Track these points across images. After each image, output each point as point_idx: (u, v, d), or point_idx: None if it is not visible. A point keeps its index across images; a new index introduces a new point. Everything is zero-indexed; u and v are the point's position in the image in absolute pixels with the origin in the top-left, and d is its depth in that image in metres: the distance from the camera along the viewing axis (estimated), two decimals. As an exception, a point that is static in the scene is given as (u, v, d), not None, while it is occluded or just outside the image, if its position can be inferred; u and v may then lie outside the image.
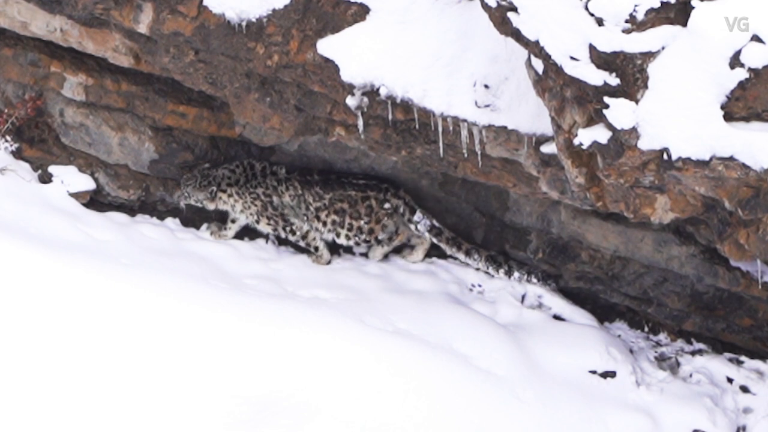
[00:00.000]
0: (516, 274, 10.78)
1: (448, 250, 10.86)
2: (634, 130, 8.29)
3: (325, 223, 10.85)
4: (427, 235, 10.85)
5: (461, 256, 10.84)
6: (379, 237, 10.83)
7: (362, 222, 10.80)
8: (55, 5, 10.39)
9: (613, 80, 8.29)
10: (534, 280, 10.79)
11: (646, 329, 10.86)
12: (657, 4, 8.11)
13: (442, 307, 10.25)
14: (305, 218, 10.86)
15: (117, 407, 8.82)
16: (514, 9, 8.56)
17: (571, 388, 9.71)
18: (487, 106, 9.59)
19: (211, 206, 10.96)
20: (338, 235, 10.85)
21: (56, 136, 11.08)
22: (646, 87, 8.22)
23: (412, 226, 10.86)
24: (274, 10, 9.90)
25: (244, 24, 9.95)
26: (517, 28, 8.60)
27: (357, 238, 10.84)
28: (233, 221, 10.98)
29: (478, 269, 10.86)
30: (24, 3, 10.55)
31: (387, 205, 10.83)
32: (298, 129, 10.30)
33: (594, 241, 10.62)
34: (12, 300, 9.26)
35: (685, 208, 8.84)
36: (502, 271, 10.80)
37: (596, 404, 9.64)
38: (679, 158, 8.20)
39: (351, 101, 9.85)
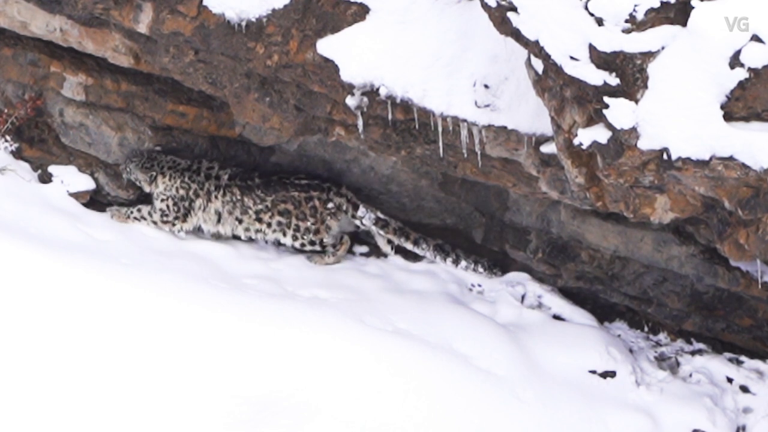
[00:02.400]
0: (463, 263, 10.86)
1: (396, 241, 10.91)
2: (633, 130, 8.30)
3: (269, 224, 10.84)
4: (374, 228, 10.87)
5: (409, 245, 10.90)
6: (325, 240, 10.83)
7: (309, 223, 10.82)
8: (55, 5, 10.39)
9: (613, 80, 8.30)
10: (480, 269, 10.85)
11: (646, 329, 10.86)
12: (657, 4, 8.12)
13: (442, 307, 10.25)
14: (237, 222, 10.83)
15: (117, 407, 8.82)
16: (514, 9, 8.56)
17: (571, 388, 9.71)
18: (487, 106, 9.59)
19: (147, 189, 10.94)
20: (284, 234, 10.85)
21: (56, 136, 11.08)
22: (645, 87, 8.22)
23: (357, 222, 10.89)
24: (273, 10, 9.90)
25: (243, 24, 9.95)
26: (517, 28, 8.60)
27: (304, 239, 10.84)
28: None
29: (425, 258, 10.90)
30: (24, 3, 10.55)
31: (330, 204, 10.85)
32: (298, 129, 10.30)
33: (594, 241, 10.62)
34: (12, 300, 9.26)
35: (684, 208, 8.84)
36: (449, 260, 10.87)
37: (596, 404, 9.64)
38: (679, 158, 8.20)
39: (351, 101, 9.85)
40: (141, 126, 11.00)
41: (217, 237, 10.95)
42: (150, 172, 10.83)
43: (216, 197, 10.84)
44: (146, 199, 11.10)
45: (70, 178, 10.95)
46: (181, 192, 10.81)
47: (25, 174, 10.84)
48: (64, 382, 8.86)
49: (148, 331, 9.26)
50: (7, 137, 10.90)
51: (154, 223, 10.83)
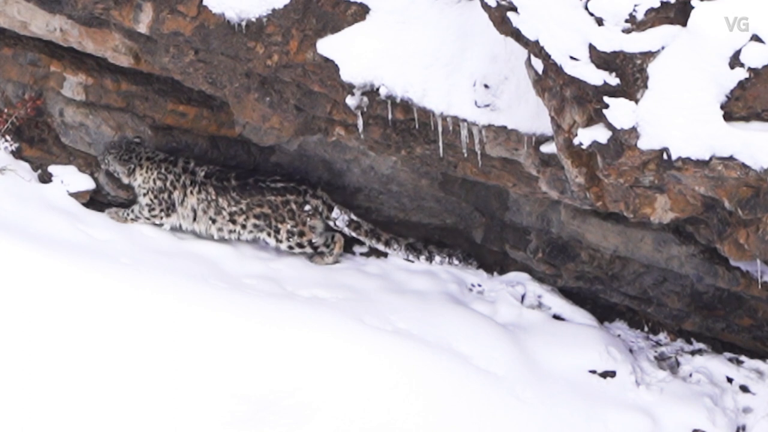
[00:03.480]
0: (437, 258, 10.93)
1: (368, 242, 10.94)
2: (633, 129, 8.30)
3: (244, 226, 10.80)
4: (346, 230, 10.88)
5: (381, 246, 10.95)
6: (314, 241, 10.82)
7: (289, 225, 10.80)
8: (55, 5, 10.39)
9: (613, 80, 8.30)
10: (455, 261, 10.89)
11: (646, 329, 10.86)
12: (657, 4, 8.12)
13: (442, 307, 10.25)
14: (211, 221, 10.81)
15: (117, 407, 8.82)
16: (514, 9, 8.56)
17: (571, 388, 9.71)
18: (487, 105, 9.60)
19: (125, 180, 10.93)
20: (269, 234, 10.83)
21: (56, 136, 11.08)
22: (645, 87, 8.23)
23: (331, 223, 10.90)
24: (274, 10, 9.90)
25: (243, 24, 9.95)
26: (516, 28, 8.60)
27: (290, 242, 10.83)
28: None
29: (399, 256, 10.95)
30: (24, 2, 10.55)
31: (307, 207, 10.84)
32: (298, 129, 10.30)
33: (594, 241, 10.62)
34: (12, 300, 9.26)
35: (684, 208, 8.84)
36: (422, 257, 10.92)
37: (596, 404, 9.64)
38: (679, 158, 8.21)
39: (351, 101, 9.86)
40: (141, 126, 11.01)
41: (213, 237, 10.95)
42: (128, 164, 10.81)
43: (191, 192, 10.81)
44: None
45: (70, 178, 10.95)
46: (159, 183, 10.79)
47: (25, 174, 10.84)
48: (64, 381, 8.87)
49: (148, 331, 9.26)
50: (7, 137, 10.90)
51: (147, 219, 10.83)
